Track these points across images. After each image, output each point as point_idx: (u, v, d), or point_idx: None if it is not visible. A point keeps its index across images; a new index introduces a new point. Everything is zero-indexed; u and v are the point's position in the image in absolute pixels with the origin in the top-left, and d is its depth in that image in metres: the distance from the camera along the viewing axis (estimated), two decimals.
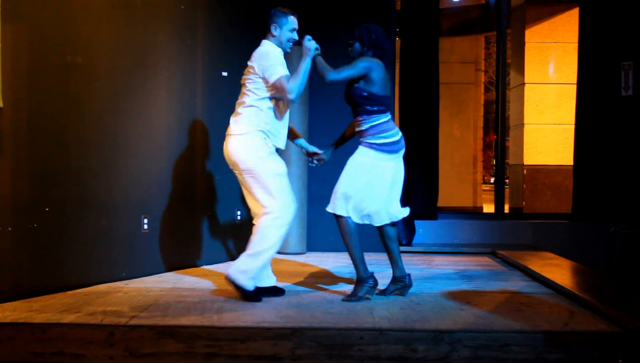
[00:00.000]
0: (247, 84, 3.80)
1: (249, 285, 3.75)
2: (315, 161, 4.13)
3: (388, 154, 3.81)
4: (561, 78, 8.37)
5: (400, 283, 3.99)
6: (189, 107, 4.97)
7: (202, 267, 5.06)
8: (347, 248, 3.89)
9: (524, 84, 8.49)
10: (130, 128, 4.43)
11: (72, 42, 3.99)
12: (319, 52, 3.77)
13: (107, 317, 3.28)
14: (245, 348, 3.08)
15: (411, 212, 6.35)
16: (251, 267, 3.73)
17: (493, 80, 11.90)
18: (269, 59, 3.72)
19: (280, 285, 4.30)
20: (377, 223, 3.91)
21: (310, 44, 3.73)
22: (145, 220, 4.55)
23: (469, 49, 10.76)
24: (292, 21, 3.84)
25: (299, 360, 3.08)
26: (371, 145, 3.80)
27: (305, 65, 3.69)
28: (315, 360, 3.08)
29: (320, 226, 6.17)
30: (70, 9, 3.98)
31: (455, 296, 3.99)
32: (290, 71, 3.78)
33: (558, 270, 4.80)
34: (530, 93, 8.48)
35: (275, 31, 3.81)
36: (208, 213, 5.14)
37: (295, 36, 3.86)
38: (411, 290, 4.09)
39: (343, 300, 3.82)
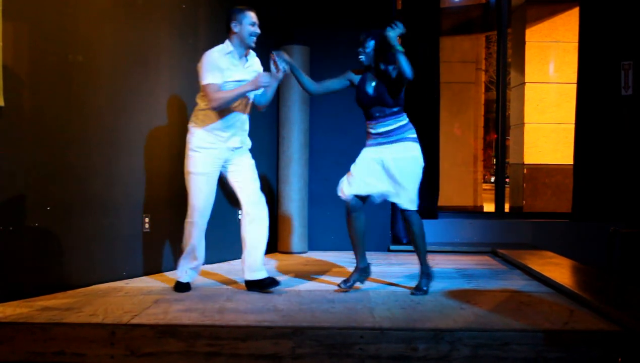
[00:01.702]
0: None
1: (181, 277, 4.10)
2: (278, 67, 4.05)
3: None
4: (561, 77, 8.37)
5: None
6: (190, 106, 4.96)
7: (203, 266, 5.05)
8: (423, 243, 4.13)
9: (524, 83, 8.49)
10: (132, 127, 4.44)
11: (73, 41, 4.00)
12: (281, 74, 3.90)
13: (108, 316, 3.29)
14: (246, 347, 3.09)
15: None
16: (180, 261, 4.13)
17: (493, 79, 11.89)
18: (204, 63, 3.85)
19: (281, 284, 4.32)
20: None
21: (265, 81, 3.83)
22: (147, 220, 4.56)
23: (470, 49, 10.75)
24: (251, 16, 3.91)
25: (299, 359, 3.09)
26: (415, 139, 4.03)
27: (240, 91, 3.84)
28: (316, 359, 3.08)
29: (321, 225, 6.17)
30: (72, 8, 3.99)
31: (455, 295, 3.99)
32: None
33: (558, 269, 4.81)
34: (531, 92, 8.48)
35: (236, 28, 3.88)
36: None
37: (257, 30, 3.92)
38: None
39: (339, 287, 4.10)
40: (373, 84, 4.02)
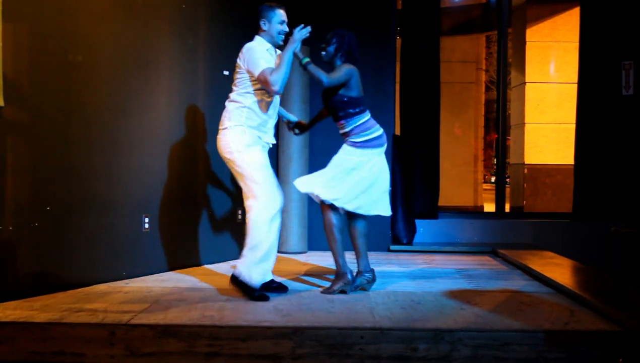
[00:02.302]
0: (234, 80, 3.92)
1: (253, 281, 3.81)
2: (297, 130, 4.35)
3: (372, 149, 3.96)
4: (562, 77, 8.37)
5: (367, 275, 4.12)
6: (190, 106, 4.97)
7: (203, 266, 5.06)
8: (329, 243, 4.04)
9: (525, 83, 8.49)
10: (132, 127, 4.43)
11: (73, 41, 4.00)
12: (306, 34, 3.82)
13: (108, 316, 3.29)
14: (246, 348, 3.09)
15: (412, 211, 6.42)
16: (251, 260, 3.80)
17: (494, 79, 11.89)
18: (252, 53, 3.79)
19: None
20: (364, 213, 4.02)
21: (298, 34, 3.79)
22: (146, 220, 4.56)
23: (470, 48, 10.74)
24: (280, 14, 3.90)
25: (299, 359, 3.08)
26: (355, 144, 3.95)
27: (286, 56, 3.75)
28: (316, 359, 3.08)
29: (321, 225, 6.13)
30: (72, 8, 3.98)
31: (455, 295, 3.99)
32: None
33: (558, 270, 4.80)
34: (531, 92, 8.48)
35: (265, 26, 3.88)
36: (209, 213, 5.14)
37: (286, 28, 3.92)
38: (412, 289, 4.14)
39: (321, 292, 4.03)
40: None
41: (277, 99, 3.97)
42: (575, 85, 6.77)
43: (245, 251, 3.85)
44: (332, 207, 3.95)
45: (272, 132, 4.00)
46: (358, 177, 3.93)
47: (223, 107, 3.96)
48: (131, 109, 4.43)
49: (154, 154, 4.63)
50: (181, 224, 4.89)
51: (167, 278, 4.50)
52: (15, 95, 3.64)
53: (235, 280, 3.88)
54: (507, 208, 7.89)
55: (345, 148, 4.00)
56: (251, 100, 3.85)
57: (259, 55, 3.78)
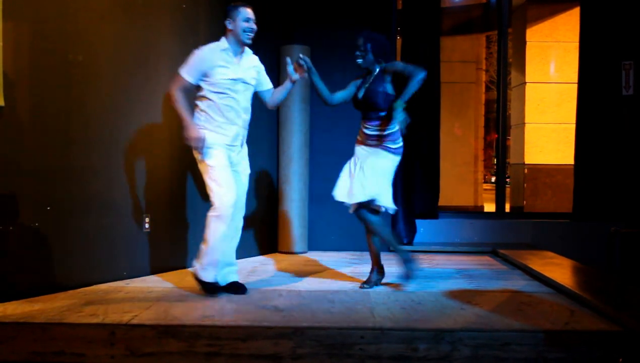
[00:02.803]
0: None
1: (204, 276, 3.88)
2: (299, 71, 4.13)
3: (399, 156, 4.14)
4: (562, 77, 8.36)
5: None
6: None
7: None
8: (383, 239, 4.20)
9: (525, 83, 8.49)
10: (132, 127, 4.43)
11: (73, 40, 4.00)
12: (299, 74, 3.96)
13: (108, 316, 3.29)
14: (246, 348, 3.09)
15: (412, 211, 6.43)
16: (201, 254, 3.87)
17: (494, 79, 11.89)
18: (193, 57, 3.83)
19: (281, 284, 4.32)
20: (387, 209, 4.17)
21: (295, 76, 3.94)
22: (147, 220, 4.56)
23: (470, 48, 10.75)
24: (245, 12, 3.88)
25: (299, 359, 3.09)
26: (394, 151, 4.08)
27: (182, 118, 3.82)
28: (316, 360, 3.08)
29: (321, 225, 6.17)
30: (72, 7, 3.98)
31: (456, 295, 3.99)
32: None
33: (559, 270, 4.81)
34: (532, 92, 8.48)
35: (230, 25, 3.86)
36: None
37: (252, 25, 3.89)
38: (412, 289, 4.15)
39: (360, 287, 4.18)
40: (365, 87, 4.12)
41: (238, 105, 3.90)
42: (575, 85, 6.77)
43: (200, 244, 3.89)
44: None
45: (233, 134, 3.90)
46: (390, 181, 4.15)
47: None
48: (131, 109, 4.44)
49: (155, 154, 4.63)
50: (181, 224, 4.89)
51: (168, 278, 4.50)
52: (15, 95, 3.64)
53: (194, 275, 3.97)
54: (507, 208, 7.89)
55: (382, 153, 4.05)
56: (207, 103, 3.85)
57: (195, 62, 3.81)
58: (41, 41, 3.81)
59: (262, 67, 4.08)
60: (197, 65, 3.81)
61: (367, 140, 4.10)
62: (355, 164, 4.13)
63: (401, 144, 4.12)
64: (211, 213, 3.79)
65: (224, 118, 3.86)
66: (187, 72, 3.82)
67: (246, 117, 3.98)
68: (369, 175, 4.02)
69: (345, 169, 4.18)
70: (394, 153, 4.07)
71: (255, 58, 4.05)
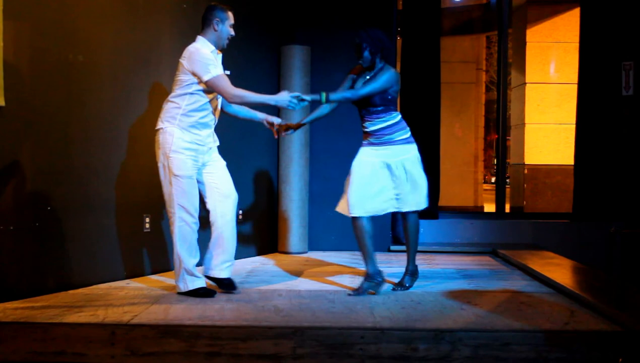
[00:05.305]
0: (175, 81, 3.84)
1: (183, 287, 3.87)
2: (284, 132, 4.23)
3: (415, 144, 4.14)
4: (562, 78, 8.36)
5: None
6: None
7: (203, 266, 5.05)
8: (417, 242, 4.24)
9: (525, 83, 8.49)
10: (133, 127, 4.43)
11: (74, 40, 4.00)
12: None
13: (109, 316, 3.29)
14: (247, 348, 3.09)
15: None
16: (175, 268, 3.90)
17: (494, 79, 11.90)
18: (201, 57, 3.72)
19: (281, 284, 4.31)
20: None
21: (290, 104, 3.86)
22: (147, 220, 4.56)
23: (470, 49, 10.76)
24: (231, 17, 3.88)
25: (300, 359, 3.09)
26: (408, 140, 4.08)
27: (262, 100, 3.82)
28: (316, 359, 3.08)
29: (321, 225, 6.17)
30: (72, 7, 3.98)
31: (456, 295, 3.99)
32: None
33: (559, 270, 4.81)
34: (532, 92, 8.48)
35: (217, 26, 3.82)
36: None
37: (232, 32, 3.89)
38: (412, 289, 4.16)
39: (348, 294, 3.95)
40: (361, 83, 4.07)
41: (217, 105, 3.90)
42: (575, 86, 6.77)
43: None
44: None
45: (208, 133, 3.88)
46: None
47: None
48: (132, 109, 4.44)
49: (155, 154, 4.62)
50: None
51: (168, 278, 4.50)
52: (15, 95, 3.64)
53: None
54: (507, 208, 7.88)
55: (404, 150, 4.03)
56: (188, 101, 3.76)
57: (208, 59, 3.72)
58: (41, 41, 3.81)
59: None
60: (211, 60, 3.74)
61: (371, 138, 4.05)
62: (386, 171, 4.02)
63: (409, 132, 4.10)
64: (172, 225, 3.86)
65: (202, 118, 3.81)
66: (216, 68, 3.73)
67: (217, 116, 3.97)
68: (417, 178, 4.04)
69: (371, 180, 3.99)
70: (412, 142, 4.08)
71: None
